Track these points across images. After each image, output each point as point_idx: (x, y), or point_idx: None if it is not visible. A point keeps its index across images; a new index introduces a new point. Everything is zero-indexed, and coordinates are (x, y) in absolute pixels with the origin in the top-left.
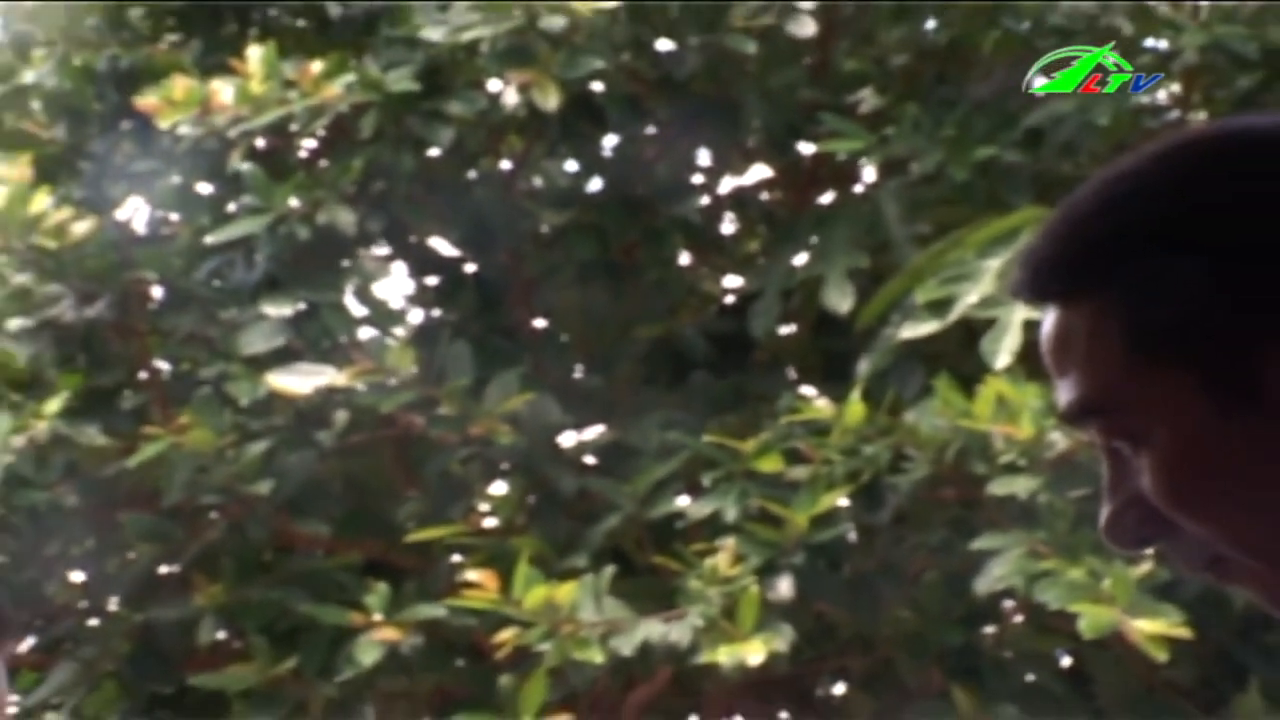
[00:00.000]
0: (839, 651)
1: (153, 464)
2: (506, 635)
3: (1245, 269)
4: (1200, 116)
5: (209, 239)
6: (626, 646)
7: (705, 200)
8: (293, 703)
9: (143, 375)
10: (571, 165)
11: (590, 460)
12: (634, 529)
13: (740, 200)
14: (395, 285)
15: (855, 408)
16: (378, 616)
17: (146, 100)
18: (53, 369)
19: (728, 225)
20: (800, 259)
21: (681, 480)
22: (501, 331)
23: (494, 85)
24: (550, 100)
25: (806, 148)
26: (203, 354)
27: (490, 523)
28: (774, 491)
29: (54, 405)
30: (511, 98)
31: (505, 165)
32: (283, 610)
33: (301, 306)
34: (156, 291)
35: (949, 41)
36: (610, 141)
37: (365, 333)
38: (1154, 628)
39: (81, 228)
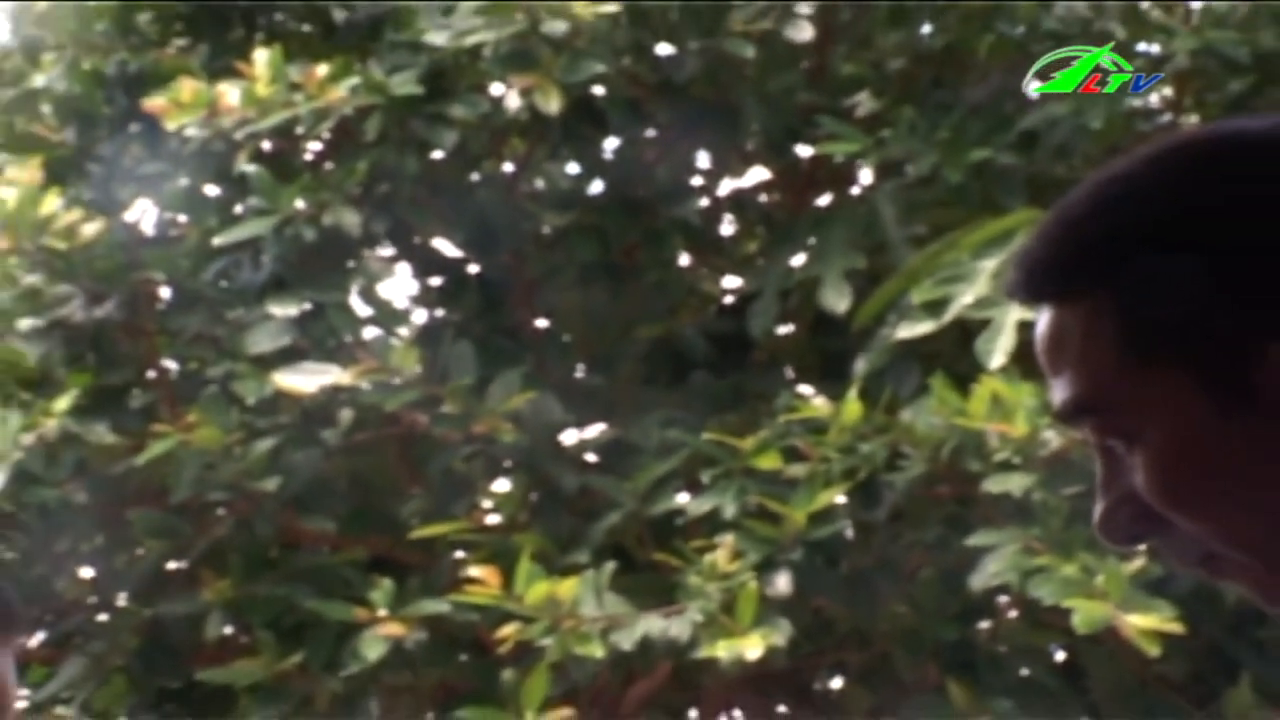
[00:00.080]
0: (836, 646)
1: (161, 461)
2: (509, 630)
3: (1238, 270)
4: (1192, 120)
5: (216, 240)
6: (627, 641)
7: (704, 202)
8: (299, 697)
9: (151, 374)
10: (573, 168)
11: (591, 458)
12: (634, 526)
13: (739, 202)
14: (399, 286)
15: (852, 406)
16: (382, 612)
17: (154, 102)
18: (62, 368)
19: (727, 227)
20: (798, 260)
21: (681, 477)
22: (504, 331)
23: (497, 89)
24: (552, 104)
25: (804, 150)
26: (210, 353)
27: (493, 519)
28: (772, 489)
29: (64, 403)
30: (514, 101)
31: (508, 168)
32: (289, 606)
33: (307, 307)
34: (164, 292)
35: (944, 46)
36: (611, 144)
37: (370, 332)
38: (1146, 623)
39: (91, 229)
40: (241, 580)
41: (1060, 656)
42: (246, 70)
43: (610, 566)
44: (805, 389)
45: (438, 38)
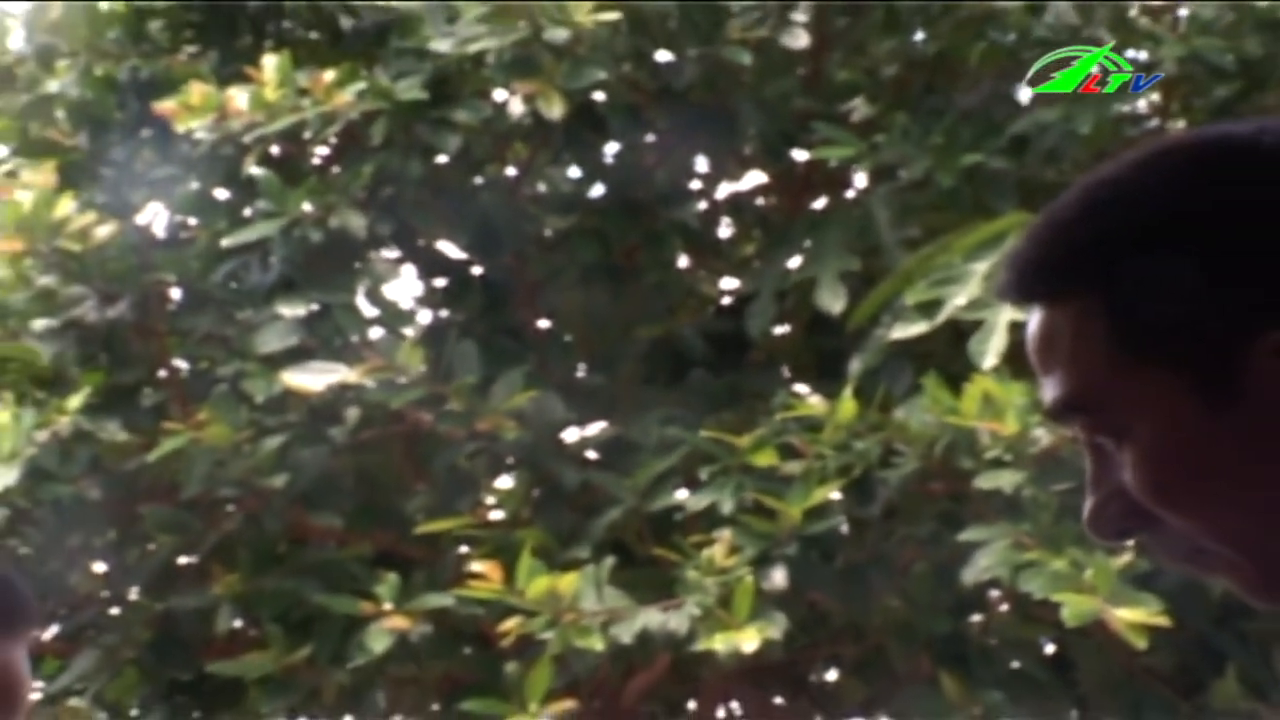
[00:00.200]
0: (831, 639)
1: (172, 458)
2: (511, 624)
3: (1226, 271)
4: (1179, 125)
5: (225, 242)
6: (626, 634)
7: (703, 205)
8: (306, 689)
9: (162, 373)
10: (574, 172)
11: (592, 455)
12: (634, 521)
13: (736, 205)
14: (405, 287)
15: (847, 405)
16: (388, 606)
17: (165, 105)
18: (76, 367)
19: (725, 229)
20: (794, 262)
21: (680, 474)
22: (507, 331)
23: (500, 95)
24: (554, 109)
25: (800, 155)
26: (220, 353)
27: (496, 515)
28: (769, 485)
29: (77, 402)
30: (517, 106)
31: (510, 171)
32: (297, 599)
33: (314, 307)
34: (175, 293)
35: (937, 53)
36: (612, 149)
37: (376, 332)
38: (1134, 616)
39: (103, 231)
40: (251, 575)
41: (1050, 649)
42: (255, 76)
43: (610, 561)
44: (801, 388)
45: (442, 45)
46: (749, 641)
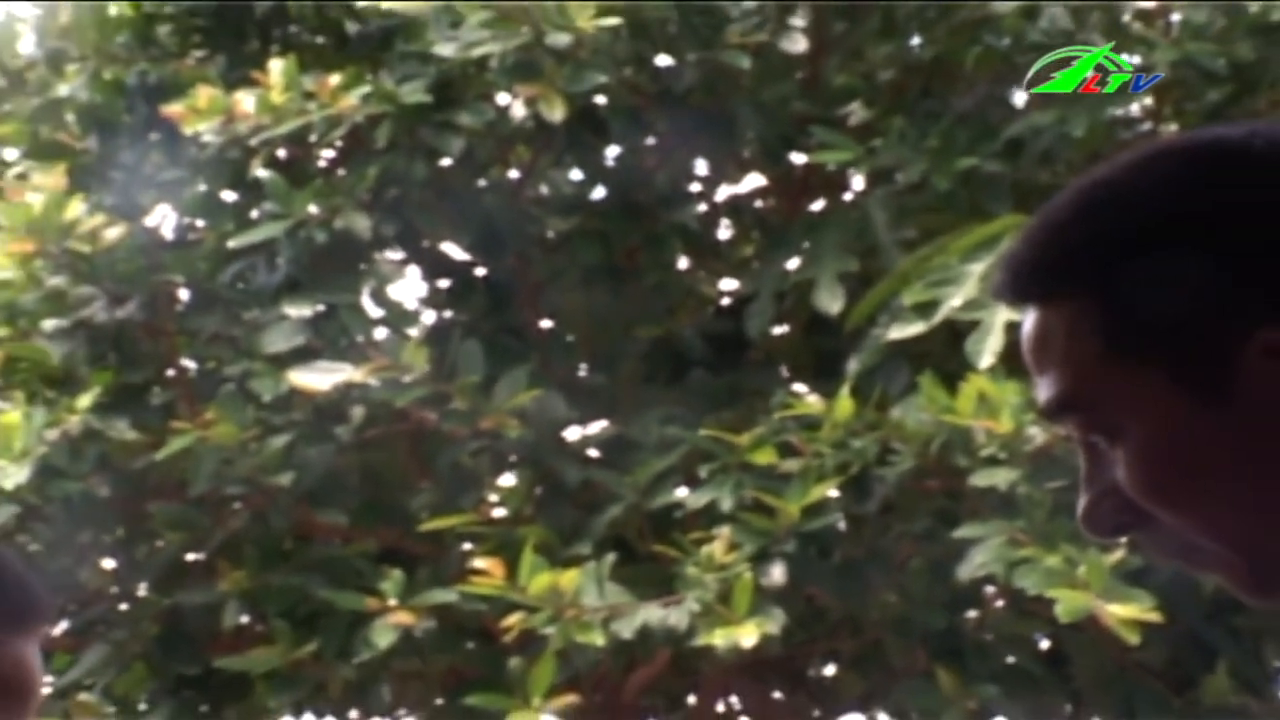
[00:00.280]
0: (829, 634)
1: (180, 456)
2: (514, 619)
3: (1219, 272)
4: (1172, 128)
5: (232, 243)
6: (627, 630)
7: (703, 207)
8: (312, 683)
9: (170, 373)
10: (576, 174)
11: (594, 453)
12: (635, 518)
13: (736, 207)
14: (409, 287)
15: (845, 404)
16: (392, 601)
17: (173, 108)
18: (85, 366)
19: (724, 231)
20: (793, 263)
21: (680, 472)
22: (510, 331)
23: (503, 98)
24: (556, 112)
25: (798, 158)
26: (227, 352)
27: (499, 512)
28: (767, 483)
29: (86, 401)
30: (519, 110)
31: (513, 174)
32: (303, 595)
33: (320, 307)
34: (183, 293)
35: (933, 57)
36: (613, 152)
37: (381, 332)
38: (1127, 612)
39: (113, 233)
40: (257, 571)
41: (1044, 644)
42: (262, 79)
43: (611, 558)
44: (799, 387)
45: (446, 49)
46: (748, 637)
